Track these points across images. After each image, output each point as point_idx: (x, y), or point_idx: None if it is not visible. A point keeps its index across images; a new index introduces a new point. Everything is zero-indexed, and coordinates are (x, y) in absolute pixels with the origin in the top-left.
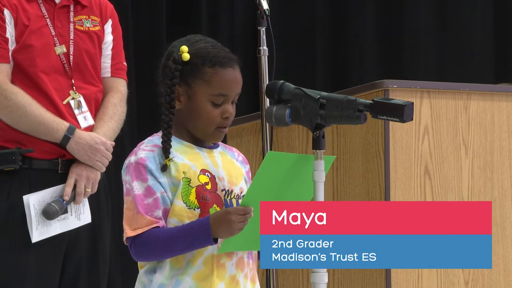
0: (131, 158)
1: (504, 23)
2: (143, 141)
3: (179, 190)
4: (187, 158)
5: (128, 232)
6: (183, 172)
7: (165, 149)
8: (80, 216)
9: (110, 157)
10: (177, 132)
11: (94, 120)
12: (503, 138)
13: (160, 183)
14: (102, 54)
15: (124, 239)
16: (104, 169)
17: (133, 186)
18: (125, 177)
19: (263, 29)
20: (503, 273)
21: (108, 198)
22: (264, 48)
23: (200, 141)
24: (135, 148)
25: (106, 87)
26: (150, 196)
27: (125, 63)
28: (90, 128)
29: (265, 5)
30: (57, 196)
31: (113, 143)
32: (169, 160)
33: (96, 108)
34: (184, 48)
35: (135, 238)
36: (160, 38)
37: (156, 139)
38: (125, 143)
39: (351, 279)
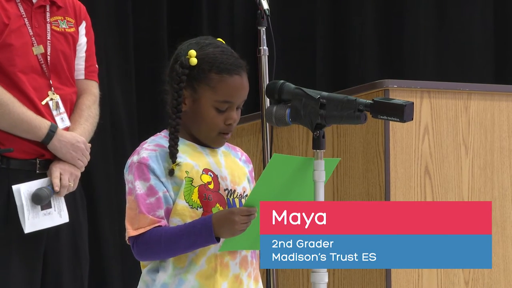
0: (134, 158)
1: (504, 23)
2: (146, 140)
3: (181, 189)
4: (189, 158)
5: (130, 231)
6: (185, 171)
7: (172, 154)
8: (61, 213)
9: (89, 157)
10: (181, 132)
11: (70, 122)
12: (503, 138)
13: (162, 182)
14: (76, 56)
15: (126, 238)
16: (83, 168)
17: (135, 185)
18: (128, 176)
19: (263, 29)
20: (503, 272)
21: (83, 198)
22: (264, 48)
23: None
24: (137, 148)
25: (79, 89)
26: (152, 196)
27: (97, 66)
28: (66, 130)
29: (265, 5)
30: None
31: (90, 144)
32: (176, 164)
33: (71, 109)
34: (192, 52)
35: (138, 237)
36: (160, 38)
37: (159, 138)
38: (125, 142)
39: (351, 279)
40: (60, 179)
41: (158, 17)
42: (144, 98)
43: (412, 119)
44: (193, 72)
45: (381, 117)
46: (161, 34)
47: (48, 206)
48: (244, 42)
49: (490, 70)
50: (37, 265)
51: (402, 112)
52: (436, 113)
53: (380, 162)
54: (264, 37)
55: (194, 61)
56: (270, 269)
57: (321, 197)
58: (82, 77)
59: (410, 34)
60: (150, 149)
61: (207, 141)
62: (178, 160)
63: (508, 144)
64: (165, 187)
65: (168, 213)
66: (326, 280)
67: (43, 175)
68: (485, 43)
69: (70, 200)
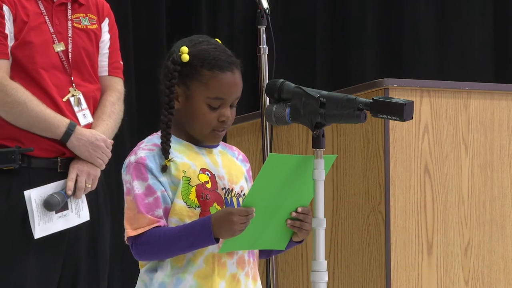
0: (131, 158)
1: (504, 22)
2: (143, 140)
3: (179, 189)
4: (186, 157)
5: (129, 231)
6: (183, 171)
7: (165, 150)
8: (79, 213)
9: (109, 154)
10: (176, 132)
11: (93, 118)
12: (503, 136)
13: (160, 182)
14: (99, 52)
15: (125, 238)
16: (104, 166)
17: (133, 185)
18: (125, 176)
19: (263, 28)
20: (503, 272)
21: (107, 197)
22: (264, 47)
23: (199, 140)
24: (134, 148)
25: (103, 85)
26: (150, 195)
27: (121, 62)
28: (89, 126)
29: (265, 4)
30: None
31: (112, 141)
32: (169, 160)
33: (94, 106)
34: (184, 49)
35: (137, 237)
36: (160, 38)
37: (155, 138)
38: (125, 142)
39: (351, 278)
40: (77, 181)
41: (157, 17)
42: (144, 98)
43: (412, 118)
44: (185, 69)
45: (381, 116)
46: (161, 34)
47: (65, 208)
48: (244, 41)
49: (490, 69)
50: (56, 263)
51: (402, 111)
52: (436, 112)
53: (380, 161)
54: (264, 36)
55: (186, 57)
56: (270, 269)
57: (321, 196)
58: (106, 73)
59: (410, 33)
60: (148, 149)
61: (201, 138)
62: (175, 159)
63: (508, 143)
64: (163, 186)
65: (166, 213)
66: (326, 279)
67: (64, 173)
68: (485, 42)
69: (92, 198)
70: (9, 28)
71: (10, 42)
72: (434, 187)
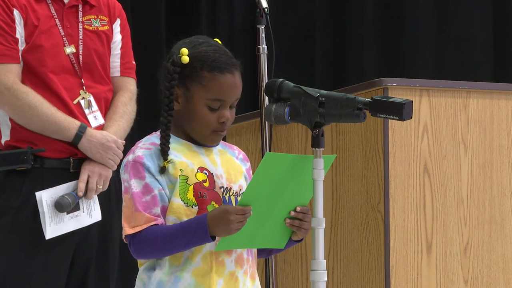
0: (129, 157)
1: (503, 21)
2: (141, 139)
3: (176, 187)
4: (184, 156)
5: (127, 229)
6: (180, 169)
7: (163, 151)
8: (91, 213)
9: (121, 155)
10: (176, 131)
11: (105, 119)
12: (502, 136)
13: (157, 180)
14: (111, 53)
15: (123, 236)
16: (115, 167)
17: (131, 184)
18: (123, 175)
19: (263, 27)
20: (502, 271)
21: (119, 197)
22: (263, 47)
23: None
24: (133, 147)
25: (115, 86)
26: (148, 194)
27: (134, 62)
28: (100, 127)
29: (265, 4)
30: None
31: (124, 141)
32: (167, 162)
33: (106, 107)
34: (184, 50)
35: (134, 235)
36: (159, 38)
37: (154, 137)
38: (126, 142)
39: (350, 277)
40: (88, 182)
41: (157, 17)
42: (144, 98)
43: (411, 117)
44: (185, 71)
45: (380, 115)
46: (161, 34)
47: (76, 208)
48: (243, 40)
49: (489, 69)
50: (63, 263)
51: (401, 111)
52: (435, 111)
53: (379, 161)
54: (263, 35)
55: (186, 59)
56: (269, 268)
57: (320, 195)
58: (118, 74)
59: (409, 32)
60: (145, 148)
61: (201, 140)
62: (173, 158)
63: (507, 142)
64: (161, 185)
65: (164, 211)
66: (325, 278)
67: (77, 173)
68: (484, 41)
69: (105, 199)
70: (20, 32)
71: (21, 46)
72: (433, 186)
